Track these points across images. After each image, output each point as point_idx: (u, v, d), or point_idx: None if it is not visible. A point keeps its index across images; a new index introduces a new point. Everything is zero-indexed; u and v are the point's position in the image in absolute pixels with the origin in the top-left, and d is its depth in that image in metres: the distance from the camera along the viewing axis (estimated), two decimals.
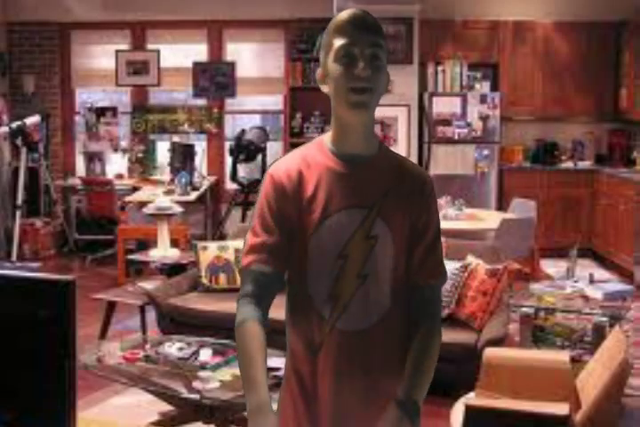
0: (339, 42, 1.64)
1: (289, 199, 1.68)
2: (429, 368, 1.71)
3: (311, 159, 1.71)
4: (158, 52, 8.37)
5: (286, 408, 1.76)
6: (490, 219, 5.94)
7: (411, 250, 1.72)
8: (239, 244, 4.94)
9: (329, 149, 1.72)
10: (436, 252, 1.75)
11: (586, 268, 6.33)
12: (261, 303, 1.67)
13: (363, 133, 1.70)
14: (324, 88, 1.70)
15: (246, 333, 1.64)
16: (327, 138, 1.74)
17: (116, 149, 8.43)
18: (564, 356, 2.89)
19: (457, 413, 2.89)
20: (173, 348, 3.68)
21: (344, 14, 1.67)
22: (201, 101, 8.55)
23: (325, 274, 1.67)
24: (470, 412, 2.54)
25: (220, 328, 4.29)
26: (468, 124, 7.48)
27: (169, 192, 6.91)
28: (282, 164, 1.72)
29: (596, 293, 4.50)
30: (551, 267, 6.74)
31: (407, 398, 1.65)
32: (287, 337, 1.77)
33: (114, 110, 8.45)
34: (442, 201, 5.99)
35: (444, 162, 7.46)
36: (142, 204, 6.43)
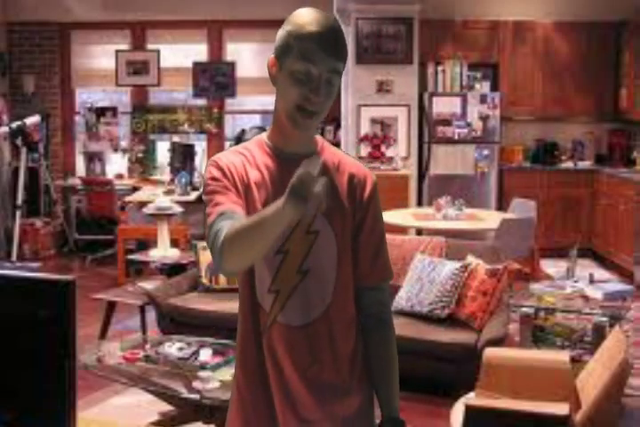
0: (299, 54, 1.60)
1: (235, 182, 1.64)
2: (396, 378, 1.78)
3: (250, 155, 1.71)
4: (158, 52, 8.37)
5: (237, 402, 1.77)
6: (490, 219, 5.93)
7: (356, 249, 1.73)
8: None
9: (268, 145, 1.72)
10: (383, 253, 1.77)
11: (586, 268, 6.33)
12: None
13: (301, 139, 1.71)
14: (273, 81, 1.68)
15: (234, 225, 1.51)
16: (266, 135, 1.74)
17: (116, 149, 8.44)
18: (564, 356, 2.89)
19: (457, 413, 2.89)
20: (173, 348, 3.68)
21: (312, 22, 1.61)
22: (201, 101, 8.55)
23: (266, 268, 1.67)
24: (470, 412, 2.54)
25: (220, 328, 4.30)
26: (468, 124, 7.48)
27: (169, 192, 6.91)
28: (224, 155, 1.71)
29: (595, 293, 4.50)
30: (551, 267, 6.74)
31: (392, 415, 1.73)
32: (238, 321, 1.77)
33: (114, 110, 8.46)
34: (442, 201, 5.99)
35: (444, 162, 7.46)
36: (142, 204, 6.44)
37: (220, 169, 1.65)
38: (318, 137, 1.79)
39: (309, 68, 1.60)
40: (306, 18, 1.63)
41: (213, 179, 1.64)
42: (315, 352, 1.71)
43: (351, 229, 1.72)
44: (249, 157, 1.70)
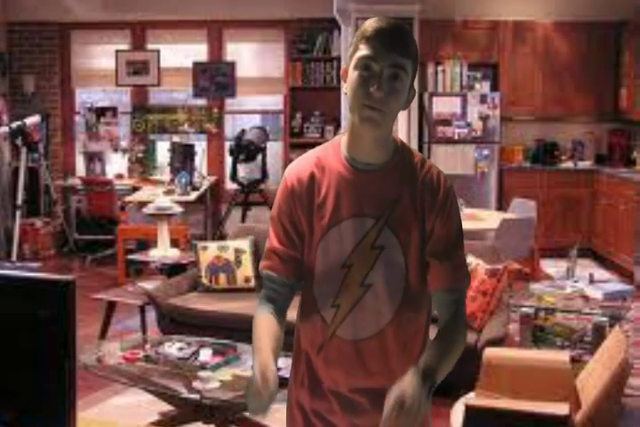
0: (362, 52, 1.62)
1: (300, 203, 1.70)
2: (451, 355, 1.66)
3: (325, 162, 1.72)
4: (158, 52, 8.37)
5: (296, 391, 1.82)
6: (490, 219, 5.93)
7: (428, 255, 1.69)
8: (239, 244, 4.94)
9: (343, 153, 1.72)
10: (455, 257, 1.71)
11: (586, 268, 6.33)
12: (274, 303, 1.73)
13: (373, 145, 1.68)
14: (344, 86, 1.70)
15: (255, 322, 1.71)
16: (344, 141, 1.73)
17: (116, 149, 8.44)
18: (564, 356, 2.89)
19: (457, 413, 2.89)
20: (173, 348, 3.68)
21: (375, 23, 1.64)
22: (201, 101, 8.55)
23: (330, 281, 1.68)
24: (470, 412, 2.54)
25: (220, 328, 4.30)
26: (468, 124, 7.48)
27: (169, 192, 6.91)
28: (296, 166, 1.74)
29: (596, 293, 4.50)
30: (551, 267, 6.74)
31: (428, 368, 1.58)
32: (295, 335, 1.81)
33: (114, 110, 8.45)
34: None
35: (444, 162, 7.45)
36: (142, 204, 6.43)
37: (286, 189, 1.73)
38: (400, 142, 1.75)
39: (370, 64, 1.61)
40: (369, 22, 1.65)
41: (279, 202, 1.74)
42: (368, 366, 1.72)
43: (420, 240, 1.68)
44: (323, 162, 1.72)
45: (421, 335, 1.76)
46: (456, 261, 1.72)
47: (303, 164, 1.73)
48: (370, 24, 1.64)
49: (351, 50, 1.67)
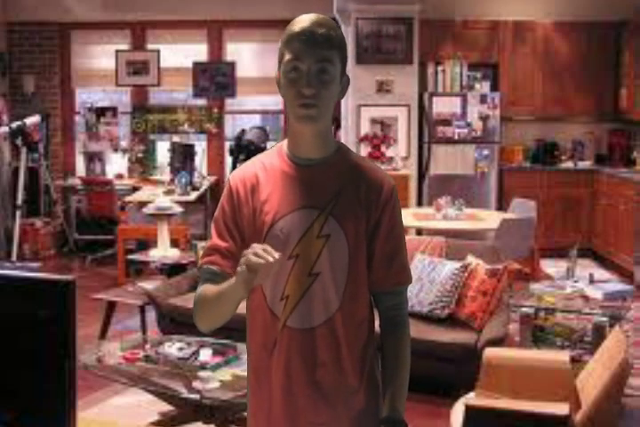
0: (287, 56, 1.68)
1: (244, 204, 1.75)
2: (405, 380, 1.76)
3: (268, 164, 1.78)
4: (158, 52, 8.37)
5: (252, 406, 1.84)
6: (490, 219, 5.94)
7: (371, 254, 1.74)
8: None
9: (285, 153, 1.78)
10: (400, 257, 1.78)
11: (586, 268, 6.33)
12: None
13: (314, 141, 1.74)
14: (280, 91, 1.74)
15: (203, 292, 1.73)
16: (285, 142, 1.80)
17: (116, 149, 8.44)
18: (564, 356, 2.89)
19: (457, 413, 2.89)
20: (173, 348, 3.68)
21: (295, 26, 1.68)
22: (201, 101, 8.55)
23: (277, 273, 1.68)
24: (470, 412, 2.54)
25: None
26: (468, 124, 7.48)
27: (169, 192, 6.91)
28: (240, 170, 1.81)
29: (596, 293, 4.50)
30: (551, 267, 6.74)
31: (393, 416, 1.71)
32: (247, 337, 1.83)
33: (114, 110, 8.46)
34: (442, 201, 5.99)
35: (444, 162, 7.46)
36: (142, 204, 6.44)
37: (230, 191, 1.77)
38: (339, 142, 1.83)
39: (297, 65, 1.66)
40: (292, 24, 1.70)
41: (222, 204, 1.78)
42: (320, 355, 1.72)
43: (365, 233, 1.73)
44: (267, 165, 1.78)
45: (365, 328, 1.78)
46: (399, 262, 1.78)
47: (247, 168, 1.80)
48: (289, 28, 1.69)
49: (279, 56, 1.72)
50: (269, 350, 1.74)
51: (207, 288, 1.72)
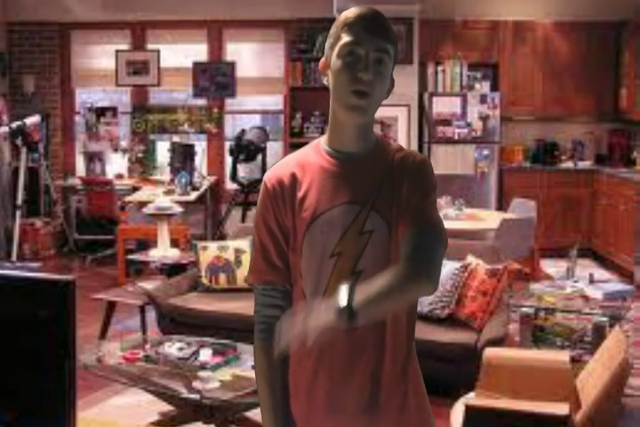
0: (345, 38, 1.62)
1: (283, 205, 1.69)
2: (377, 291, 1.49)
3: (305, 161, 1.72)
4: (158, 52, 8.37)
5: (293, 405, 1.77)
6: (490, 219, 5.94)
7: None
8: (239, 244, 4.94)
9: (324, 149, 1.72)
10: (423, 205, 1.63)
11: (586, 268, 6.33)
12: (270, 320, 1.69)
13: (356, 133, 1.69)
14: (324, 79, 1.70)
15: (260, 366, 1.74)
16: (324, 139, 1.75)
17: (116, 149, 8.43)
18: (564, 356, 2.89)
19: (457, 413, 2.89)
20: (173, 348, 3.68)
21: (355, 11, 1.64)
22: (201, 101, 8.55)
23: (319, 272, 1.65)
24: (470, 412, 2.54)
25: (220, 328, 4.30)
26: (468, 124, 7.49)
27: (169, 192, 6.91)
28: (275, 169, 1.74)
29: (596, 293, 4.50)
30: (551, 267, 6.74)
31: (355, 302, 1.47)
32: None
33: (114, 110, 8.45)
34: (442, 201, 5.99)
35: (444, 162, 7.46)
36: (142, 204, 6.43)
37: (267, 192, 1.71)
38: (378, 135, 1.76)
39: (355, 49, 1.61)
40: (348, 11, 1.65)
41: (261, 207, 1.72)
42: (362, 357, 1.67)
43: (399, 213, 1.64)
44: (303, 162, 1.71)
45: (406, 323, 1.71)
46: (427, 209, 1.64)
47: (282, 167, 1.73)
48: (349, 12, 1.64)
49: (331, 40, 1.66)
50: (309, 353, 1.67)
51: (263, 363, 1.72)
